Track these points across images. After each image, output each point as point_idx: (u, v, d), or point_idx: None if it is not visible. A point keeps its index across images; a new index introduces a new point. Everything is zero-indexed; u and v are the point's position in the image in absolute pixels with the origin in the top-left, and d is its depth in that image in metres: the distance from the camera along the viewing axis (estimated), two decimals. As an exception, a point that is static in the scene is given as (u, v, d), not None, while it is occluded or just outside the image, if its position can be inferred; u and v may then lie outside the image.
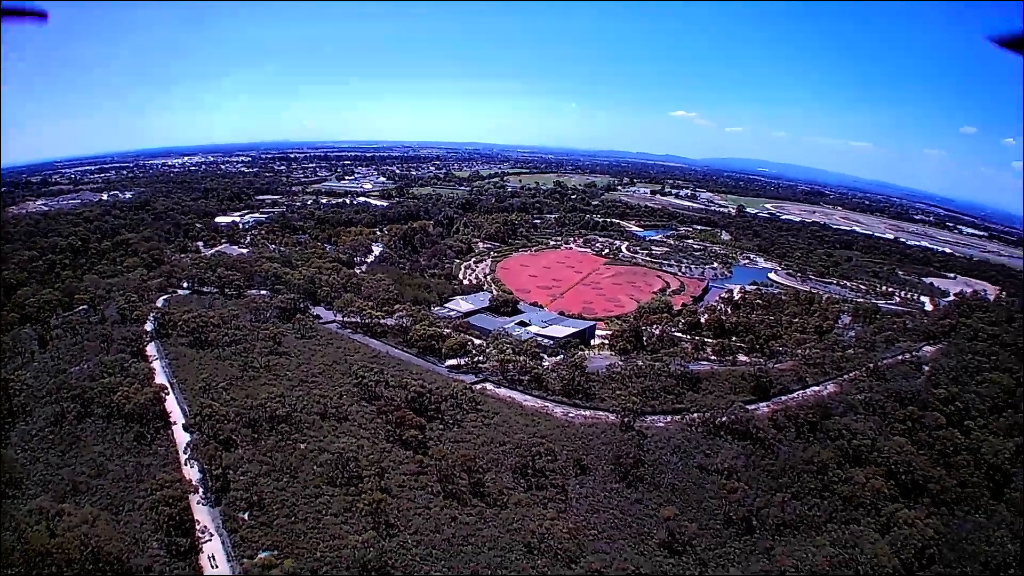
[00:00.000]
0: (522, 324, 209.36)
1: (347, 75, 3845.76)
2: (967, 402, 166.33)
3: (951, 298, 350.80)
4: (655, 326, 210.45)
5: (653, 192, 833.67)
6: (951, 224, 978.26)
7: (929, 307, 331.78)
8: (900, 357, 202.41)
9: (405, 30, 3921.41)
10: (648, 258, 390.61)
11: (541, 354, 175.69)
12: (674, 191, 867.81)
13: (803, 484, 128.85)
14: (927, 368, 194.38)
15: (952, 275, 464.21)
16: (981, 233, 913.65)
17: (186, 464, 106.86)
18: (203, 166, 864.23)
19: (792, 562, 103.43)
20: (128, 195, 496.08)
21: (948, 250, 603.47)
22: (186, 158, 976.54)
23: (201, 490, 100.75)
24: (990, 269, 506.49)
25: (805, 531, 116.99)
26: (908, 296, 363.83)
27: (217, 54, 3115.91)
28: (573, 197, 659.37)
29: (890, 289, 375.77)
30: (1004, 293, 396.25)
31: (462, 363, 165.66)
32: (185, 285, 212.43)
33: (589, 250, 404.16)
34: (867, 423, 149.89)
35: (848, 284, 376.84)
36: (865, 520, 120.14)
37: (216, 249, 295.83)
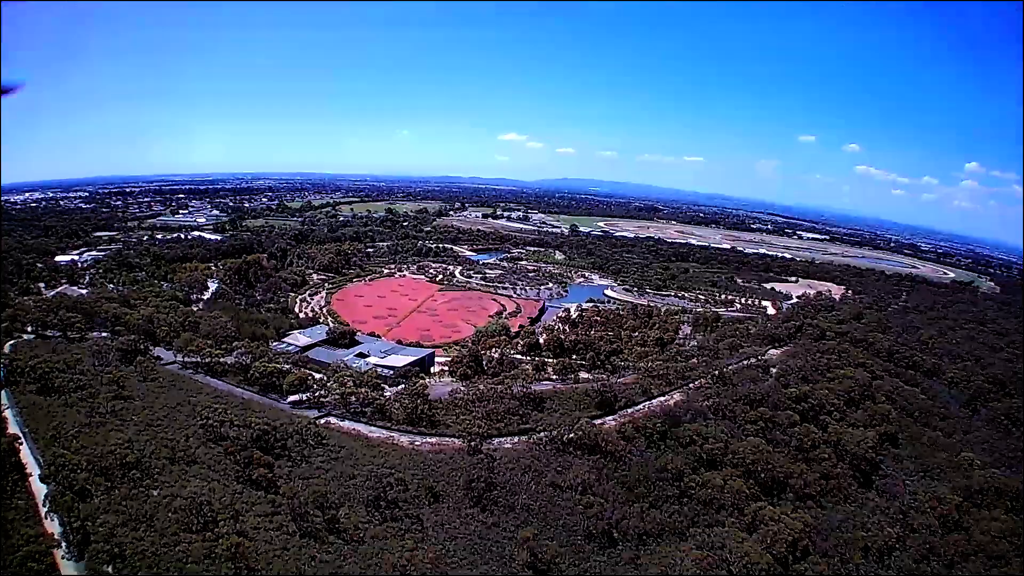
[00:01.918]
0: (361, 355, 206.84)
1: (182, 108, 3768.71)
2: (820, 398, 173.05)
3: (793, 301, 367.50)
4: (494, 349, 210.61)
5: (485, 216, 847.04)
6: (790, 231, 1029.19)
7: (772, 311, 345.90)
8: (746, 362, 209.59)
9: (234, 60, 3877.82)
10: (483, 282, 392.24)
11: (382, 384, 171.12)
12: (506, 214, 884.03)
13: (660, 492, 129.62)
14: (774, 370, 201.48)
15: (793, 279, 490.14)
16: (822, 236, 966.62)
17: (46, 517, 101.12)
18: (43, 202, 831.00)
19: (660, 569, 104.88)
20: None
21: (788, 255, 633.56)
22: (27, 194, 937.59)
23: (64, 544, 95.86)
24: (834, 270, 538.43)
25: (668, 538, 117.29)
26: (749, 302, 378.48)
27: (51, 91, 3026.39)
28: (405, 224, 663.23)
29: (730, 297, 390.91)
30: (850, 292, 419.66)
31: (304, 398, 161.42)
32: (29, 329, 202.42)
33: (423, 277, 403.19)
34: (718, 427, 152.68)
35: (687, 296, 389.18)
36: (729, 521, 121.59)
37: (57, 290, 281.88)
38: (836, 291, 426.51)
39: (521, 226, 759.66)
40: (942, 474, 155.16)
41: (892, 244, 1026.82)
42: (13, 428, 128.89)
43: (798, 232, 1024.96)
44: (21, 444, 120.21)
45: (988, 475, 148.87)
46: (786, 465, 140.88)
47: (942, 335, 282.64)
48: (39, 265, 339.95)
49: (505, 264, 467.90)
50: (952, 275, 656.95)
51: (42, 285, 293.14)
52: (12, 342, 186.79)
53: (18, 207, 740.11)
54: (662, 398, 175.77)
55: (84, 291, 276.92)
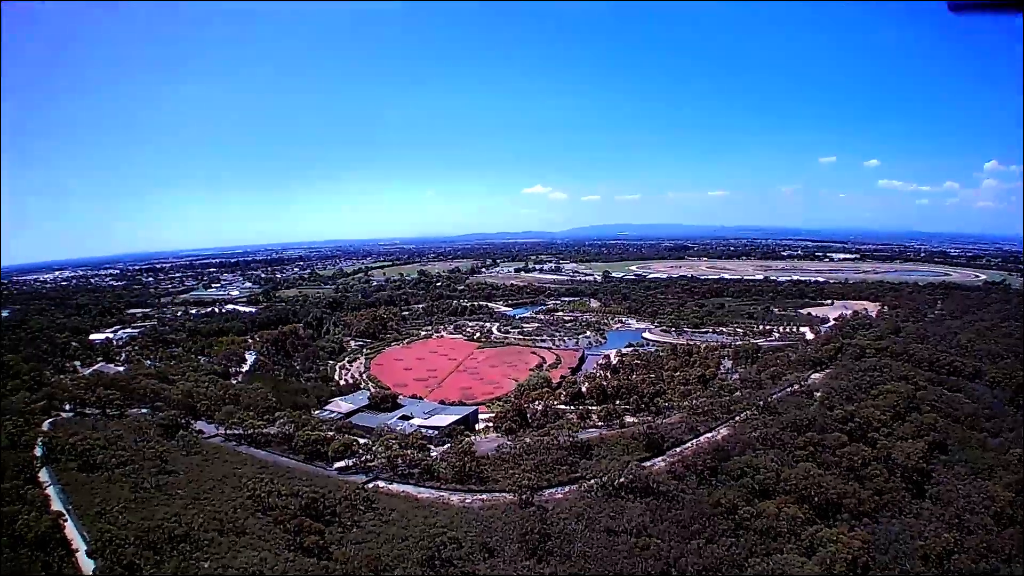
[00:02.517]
0: (404, 418, 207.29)
1: (205, 183, 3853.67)
2: (866, 416, 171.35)
3: (831, 323, 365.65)
4: (537, 402, 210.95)
5: (517, 270, 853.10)
6: (820, 254, 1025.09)
7: (810, 336, 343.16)
8: (789, 389, 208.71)
9: (253, 131, 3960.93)
10: (520, 336, 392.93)
11: (428, 445, 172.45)
12: (538, 266, 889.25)
13: (715, 527, 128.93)
14: (818, 394, 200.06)
15: (829, 302, 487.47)
16: (852, 256, 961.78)
17: None
18: (73, 280, 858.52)
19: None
20: (6, 313, 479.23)
21: (821, 279, 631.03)
22: (57, 272, 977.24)
23: None
24: (867, 288, 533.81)
25: (728, 571, 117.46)
26: (787, 330, 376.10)
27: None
28: (438, 285, 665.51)
29: (767, 327, 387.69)
30: (886, 308, 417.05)
31: (350, 464, 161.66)
32: (67, 407, 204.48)
33: (461, 336, 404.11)
34: (768, 456, 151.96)
35: (724, 330, 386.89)
36: (787, 547, 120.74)
37: (94, 368, 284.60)
38: (872, 308, 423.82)
39: (554, 277, 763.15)
40: (993, 474, 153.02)
41: (922, 254, 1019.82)
42: (57, 505, 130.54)
43: (828, 254, 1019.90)
44: (66, 521, 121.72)
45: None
46: (839, 486, 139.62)
47: (980, 337, 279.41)
48: (74, 344, 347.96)
49: (541, 316, 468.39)
50: (984, 276, 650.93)
51: (78, 363, 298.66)
52: (50, 420, 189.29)
53: (48, 285, 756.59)
54: (709, 434, 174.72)
55: (121, 368, 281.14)
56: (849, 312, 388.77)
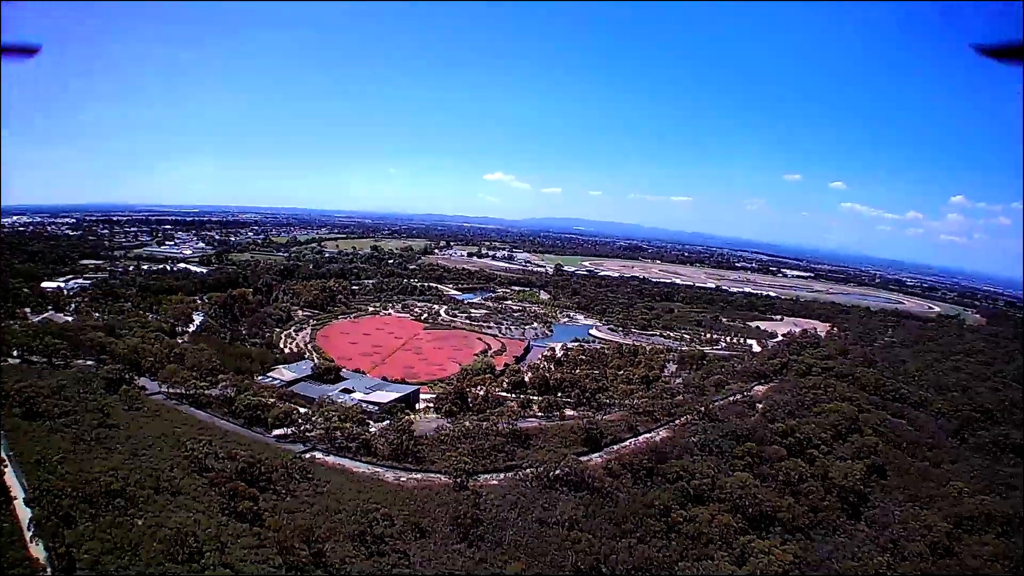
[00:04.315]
0: (346, 391, 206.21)
1: (171, 138, 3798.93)
2: (807, 433, 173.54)
3: (779, 339, 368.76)
4: (479, 387, 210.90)
5: (471, 254, 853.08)
6: (774, 269, 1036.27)
7: (757, 349, 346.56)
8: (732, 398, 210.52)
9: (226, 96, 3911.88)
10: (467, 321, 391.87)
11: (367, 420, 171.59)
12: (492, 252, 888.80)
13: (647, 528, 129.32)
14: (761, 405, 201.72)
15: (779, 317, 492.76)
16: (806, 275, 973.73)
17: (31, 542, 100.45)
18: (30, 226, 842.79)
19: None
20: None
21: (773, 293, 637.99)
22: (15, 217, 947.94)
23: (49, 570, 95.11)
24: (819, 308, 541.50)
25: (657, 572, 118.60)
26: (735, 341, 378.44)
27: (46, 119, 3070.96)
28: (391, 262, 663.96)
29: (715, 336, 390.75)
30: (835, 329, 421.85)
31: (289, 432, 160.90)
32: (15, 353, 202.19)
33: (408, 315, 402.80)
34: (705, 463, 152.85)
35: (671, 334, 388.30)
36: (718, 555, 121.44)
37: (43, 316, 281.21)
38: (821, 328, 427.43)
39: (506, 265, 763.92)
40: (931, 503, 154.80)
41: (877, 280, 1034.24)
42: None
43: (783, 270, 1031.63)
44: (6, 467, 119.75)
45: (978, 502, 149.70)
46: (774, 499, 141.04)
47: (928, 367, 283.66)
48: (25, 290, 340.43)
49: (490, 303, 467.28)
50: (938, 309, 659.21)
51: (28, 310, 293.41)
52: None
53: (6, 230, 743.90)
54: (648, 435, 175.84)
55: (70, 318, 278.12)
56: (798, 330, 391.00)
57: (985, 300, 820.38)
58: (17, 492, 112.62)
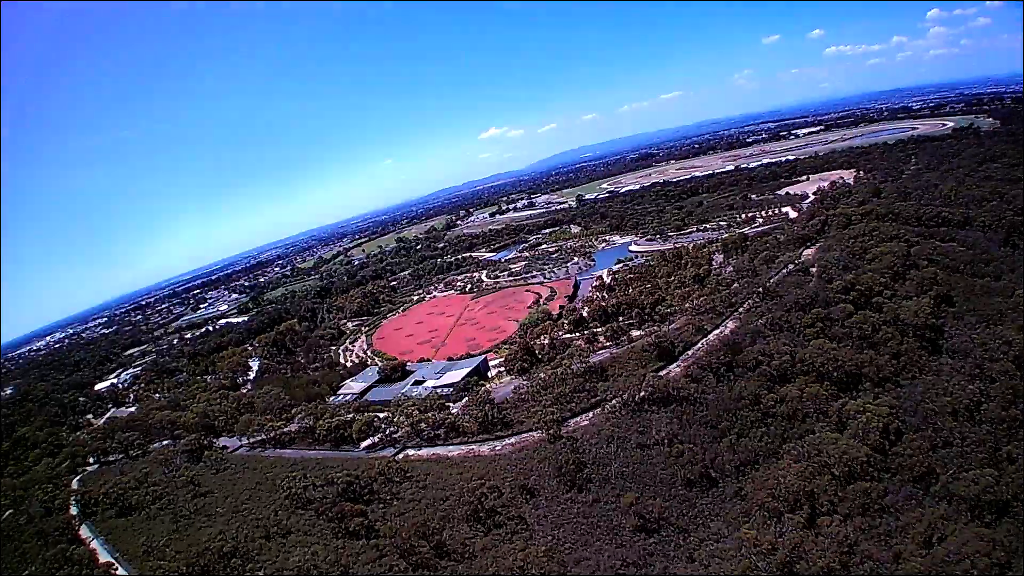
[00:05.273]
0: (417, 383, 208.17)
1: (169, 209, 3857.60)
2: (867, 282, 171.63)
3: (811, 198, 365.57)
4: (542, 337, 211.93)
5: (492, 214, 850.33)
6: (785, 133, 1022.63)
7: (794, 215, 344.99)
8: (785, 271, 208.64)
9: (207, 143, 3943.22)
10: (511, 278, 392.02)
11: (447, 403, 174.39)
12: (511, 206, 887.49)
13: (743, 420, 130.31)
14: (814, 269, 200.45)
15: (804, 177, 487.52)
16: (817, 128, 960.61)
17: None
18: (66, 340, 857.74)
19: (766, 491, 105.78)
20: (9, 391, 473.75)
21: (791, 156, 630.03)
22: (48, 338, 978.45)
23: None
24: (839, 157, 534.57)
25: (766, 461, 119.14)
26: (770, 213, 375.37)
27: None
28: (419, 248, 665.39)
29: (750, 215, 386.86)
30: (862, 172, 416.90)
31: (376, 440, 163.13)
32: (91, 460, 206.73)
33: (452, 291, 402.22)
34: (779, 341, 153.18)
35: (708, 227, 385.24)
36: (818, 427, 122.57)
37: (107, 416, 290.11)
38: (848, 176, 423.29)
39: (529, 213, 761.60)
40: (1003, 317, 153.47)
41: (884, 113, 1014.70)
42: (104, 557, 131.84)
43: (793, 132, 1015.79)
44: (116, 569, 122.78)
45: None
46: (855, 357, 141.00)
47: (961, 184, 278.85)
48: (81, 399, 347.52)
49: (526, 254, 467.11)
50: (951, 123, 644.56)
51: (90, 416, 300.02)
52: (79, 477, 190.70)
53: (43, 352, 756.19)
54: (717, 331, 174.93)
55: (132, 409, 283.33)
56: (826, 184, 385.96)
57: (992, 102, 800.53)
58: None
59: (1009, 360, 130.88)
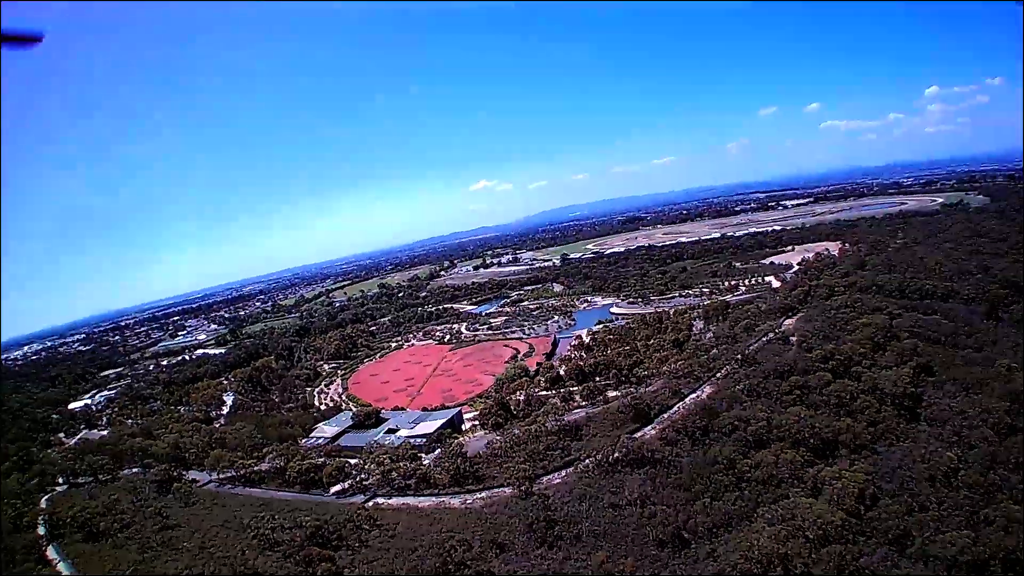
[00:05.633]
0: (391, 431, 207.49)
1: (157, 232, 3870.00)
2: (847, 352, 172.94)
3: (795, 269, 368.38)
4: (518, 392, 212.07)
5: (476, 267, 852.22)
6: (774, 204, 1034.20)
7: (777, 284, 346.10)
8: (765, 339, 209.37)
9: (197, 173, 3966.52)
10: (490, 332, 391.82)
11: (419, 454, 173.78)
12: (496, 260, 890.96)
13: (718, 484, 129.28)
14: (794, 338, 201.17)
15: (789, 248, 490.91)
16: (806, 201, 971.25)
17: None
18: (43, 352, 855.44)
19: (739, 553, 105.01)
20: None
21: (778, 227, 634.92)
22: (25, 347, 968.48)
23: None
24: (826, 229, 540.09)
25: (739, 524, 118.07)
26: (753, 282, 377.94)
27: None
28: (400, 295, 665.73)
29: (733, 283, 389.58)
30: (847, 245, 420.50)
31: (346, 486, 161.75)
32: (60, 480, 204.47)
33: (431, 341, 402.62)
34: (756, 407, 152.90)
35: (691, 292, 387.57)
36: (793, 491, 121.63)
37: (78, 437, 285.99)
38: (834, 248, 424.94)
39: (513, 268, 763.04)
40: (983, 386, 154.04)
41: (875, 188, 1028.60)
42: None
43: (782, 203, 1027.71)
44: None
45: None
46: (832, 424, 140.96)
47: (947, 257, 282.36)
48: (55, 416, 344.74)
49: (507, 309, 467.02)
50: (940, 200, 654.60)
51: (62, 435, 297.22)
52: (47, 496, 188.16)
53: (20, 362, 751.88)
54: (694, 395, 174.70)
55: (105, 432, 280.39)
56: (811, 255, 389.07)
57: (985, 180, 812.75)
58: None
59: (988, 427, 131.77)
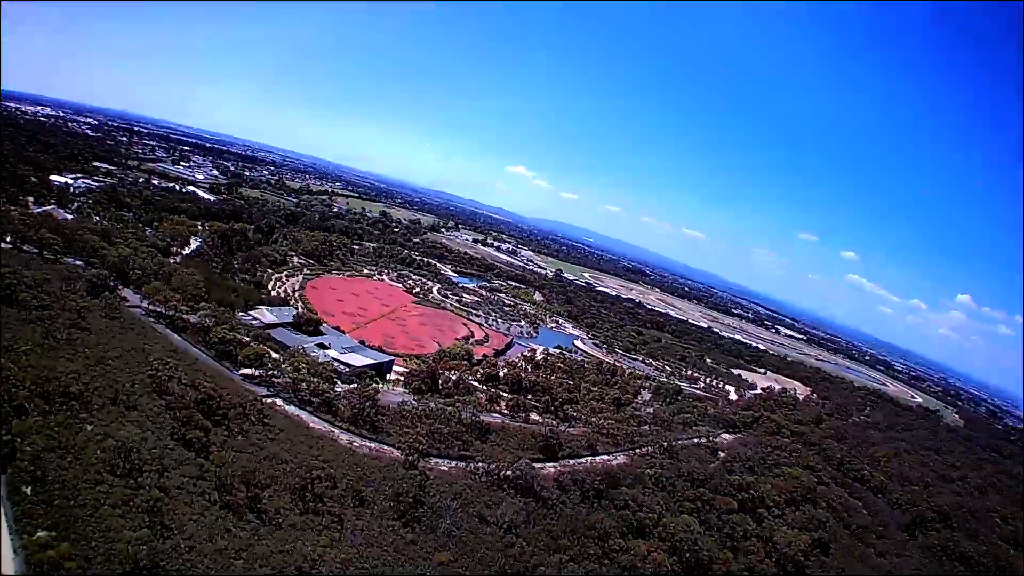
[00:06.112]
0: (322, 346, 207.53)
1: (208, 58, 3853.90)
2: (762, 492, 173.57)
3: (758, 391, 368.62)
4: (453, 372, 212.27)
5: (475, 240, 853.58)
6: (769, 323, 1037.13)
7: (734, 396, 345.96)
8: (697, 440, 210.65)
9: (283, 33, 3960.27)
10: (457, 304, 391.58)
11: (335, 379, 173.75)
12: (496, 243, 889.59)
13: (583, 548, 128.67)
14: (723, 454, 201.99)
15: (762, 370, 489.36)
16: (800, 336, 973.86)
17: None
18: (53, 119, 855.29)
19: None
20: None
21: (762, 346, 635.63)
22: (39, 107, 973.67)
23: None
24: (804, 370, 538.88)
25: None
26: (713, 384, 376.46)
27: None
28: (396, 230, 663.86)
29: (696, 374, 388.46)
30: (815, 395, 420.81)
31: (256, 374, 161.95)
32: (8, 238, 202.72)
33: (400, 286, 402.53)
34: (655, 498, 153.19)
35: (653, 363, 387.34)
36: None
37: (44, 208, 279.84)
38: (802, 390, 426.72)
39: (509, 259, 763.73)
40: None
41: (867, 358, 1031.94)
42: None
43: (777, 326, 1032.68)
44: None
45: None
46: (713, 550, 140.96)
47: (896, 455, 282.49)
48: (33, 179, 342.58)
49: (484, 292, 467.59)
50: (920, 399, 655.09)
51: (31, 199, 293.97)
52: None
53: (27, 117, 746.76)
54: (606, 457, 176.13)
55: (70, 216, 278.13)
56: (778, 387, 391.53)
57: (969, 402, 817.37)
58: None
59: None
